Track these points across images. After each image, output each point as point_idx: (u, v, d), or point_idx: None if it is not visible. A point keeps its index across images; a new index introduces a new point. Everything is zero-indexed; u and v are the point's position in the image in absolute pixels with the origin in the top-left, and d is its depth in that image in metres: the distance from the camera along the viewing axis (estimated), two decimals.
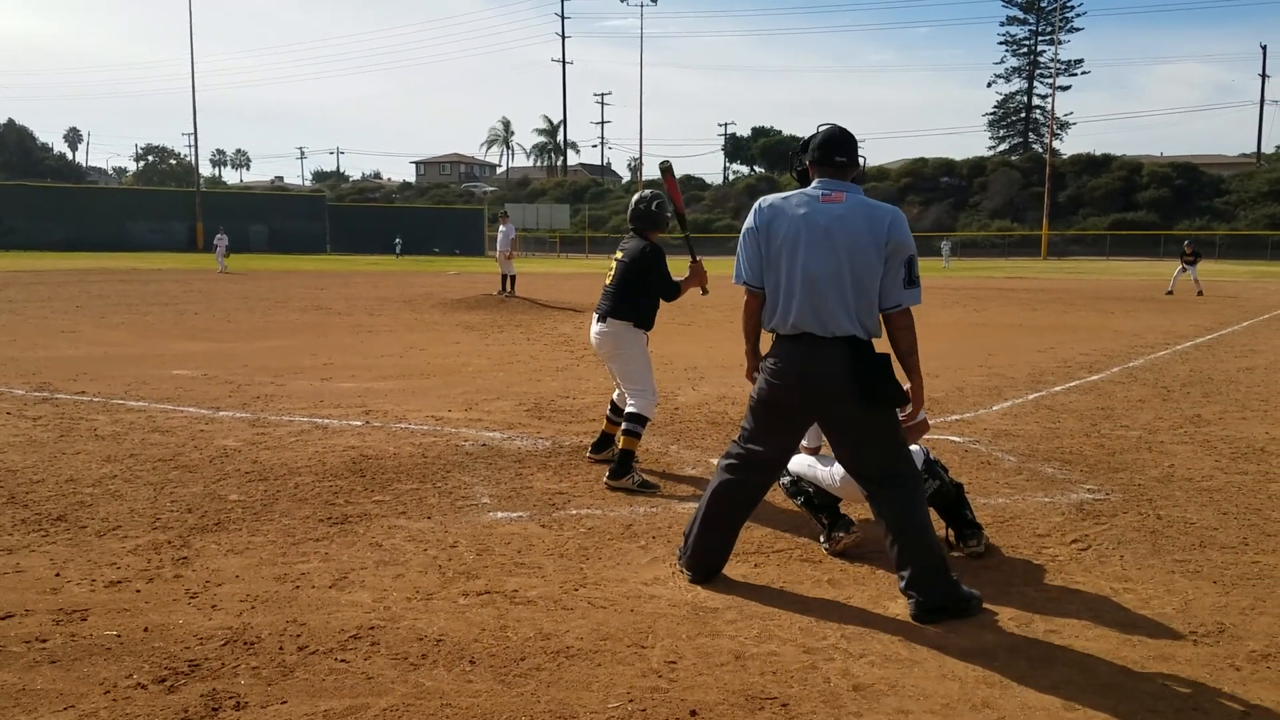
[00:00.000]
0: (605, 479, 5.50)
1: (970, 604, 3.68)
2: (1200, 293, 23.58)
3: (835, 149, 3.77)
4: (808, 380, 3.72)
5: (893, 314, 3.72)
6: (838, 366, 3.66)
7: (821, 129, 3.85)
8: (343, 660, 3.21)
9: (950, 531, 4.46)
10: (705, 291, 5.79)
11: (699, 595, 3.87)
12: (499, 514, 4.93)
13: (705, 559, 4.05)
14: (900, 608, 3.73)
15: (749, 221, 3.85)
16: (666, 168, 5.62)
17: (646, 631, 3.49)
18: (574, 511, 5.01)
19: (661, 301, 5.69)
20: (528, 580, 4.00)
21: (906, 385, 3.83)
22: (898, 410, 3.82)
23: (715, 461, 4.69)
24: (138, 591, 3.80)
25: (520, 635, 3.44)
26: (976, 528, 4.43)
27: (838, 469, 4.26)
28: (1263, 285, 27.84)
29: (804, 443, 4.37)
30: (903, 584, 3.71)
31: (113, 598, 3.73)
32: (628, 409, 5.56)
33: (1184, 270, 24.58)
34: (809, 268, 3.66)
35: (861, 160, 3.86)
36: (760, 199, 3.87)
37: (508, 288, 20.81)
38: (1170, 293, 24.02)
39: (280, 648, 3.30)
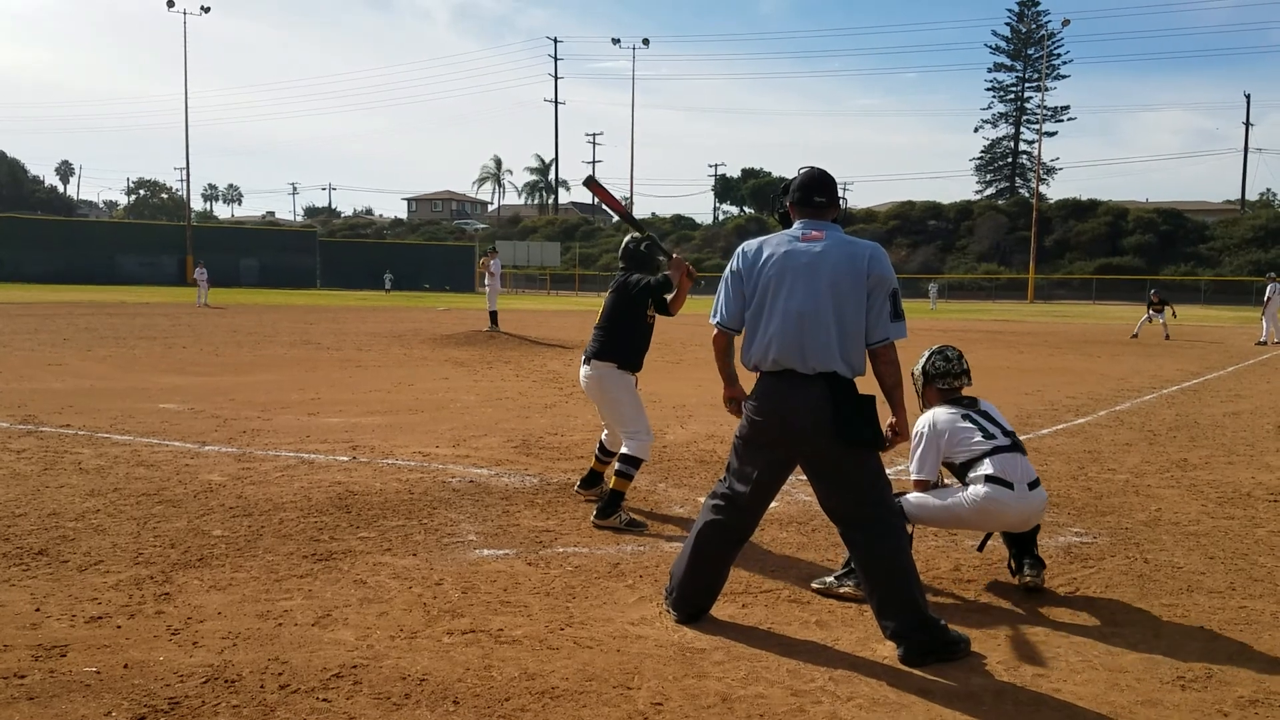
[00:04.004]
0: (592, 518, 5.48)
1: (958, 647, 3.65)
2: (1167, 337, 23.86)
3: (815, 190, 3.84)
4: (789, 417, 3.73)
5: (879, 349, 3.74)
6: (819, 403, 3.67)
7: (801, 171, 3.93)
8: (325, 699, 3.17)
9: (1013, 561, 4.50)
10: (694, 278, 5.46)
11: (686, 636, 3.85)
12: (485, 551, 4.90)
13: (692, 600, 4.02)
14: (888, 650, 3.71)
15: (731, 264, 3.93)
16: (590, 180, 5.59)
17: (633, 672, 3.47)
18: (561, 550, 4.98)
19: (668, 314, 5.57)
20: (513, 619, 3.96)
21: (890, 419, 3.84)
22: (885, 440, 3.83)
23: (703, 500, 4.68)
24: (118, 627, 3.75)
25: (505, 675, 3.40)
26: (1039, 563, 4.47)
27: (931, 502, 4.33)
28: (1247, 330, 28.03)
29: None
30: (886, 632, 3.70)
31: (93, 633, 3.68)
32: (623, 450, 5.54)
33: (1149, 319, 24.97)
34: (791, 305, 3.70)
35: (842, 202, 3.92)
36: (743, 243, 3.95)
37: (495, 323, 20.90)
38: (1135, 336, 24.45)
39: (261, 686, 3.26)
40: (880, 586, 3.69)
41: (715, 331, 3.99)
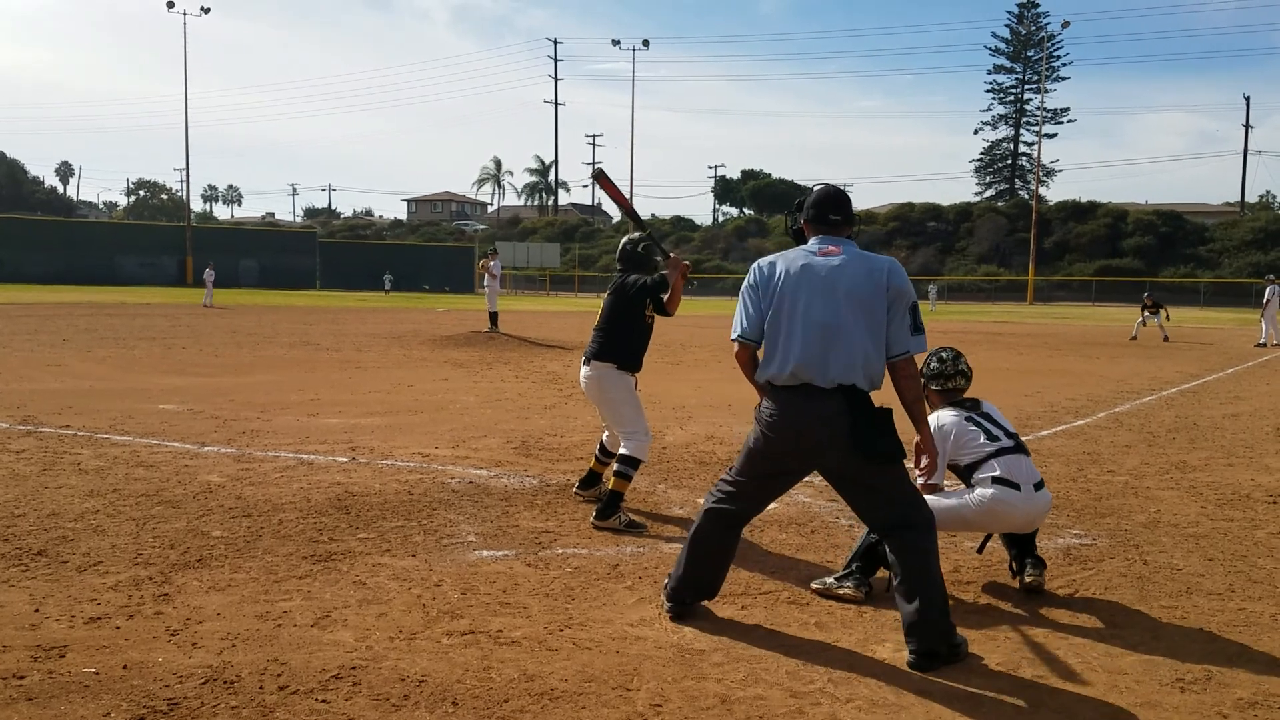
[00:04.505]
0: (592, 519, 5.48)
1: (960, 649, 3.65)
2: (1166, 338, 23.88)
3: (829, 208, 3.88)
4: (804, 431, 3.73)
5: (899, 361, 3.75)
6: (836, 417, 3.67)
7: (816, 189, 3.96)
8: (323, 701, 3.17)
9: (1014, 563, 4.53)
10: (690, 279, 5.44)
11: (685, 637, 3.84)
12: (484, 552, 4.90)
13: (689, 594, 4.05)
14: (888, 652, 3.71)
15: (748, 280, 3.92)
16: (599, 173, 5.59)
17: (632, 674, 3.46)
18: (560, 551, 4.98)
19: (666, 314, 5.54)
20: (512, 620, 3.96)
21: (915, 439, 3.85)
22: (909, 464, 3.82)
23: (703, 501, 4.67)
24: (117, 628, 3.75)
25: (504, 676, 3.40)
26: (1040, 563, 4.49)
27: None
28: (1246, 332, 28.04)
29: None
30: (904, 622, 3.68)
31: (92, 634, 3.68)
32: (621, 451, 5.54)
33: (1144, 321, 24.98)
34: (811, 317, 3.69)
35: (855, 224, 3.96)
36: (759, 259, 3.96)
37: (495, 324, 20.92)
38: (1134, 338, 24.48)
39: (260, 687, 3.26)
40: (907, 584, 3.67)
41: (737, 348, 3.96)
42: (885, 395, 3.76)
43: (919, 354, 3.76)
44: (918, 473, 4.05)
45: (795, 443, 3.76)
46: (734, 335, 3.94)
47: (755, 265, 3.95)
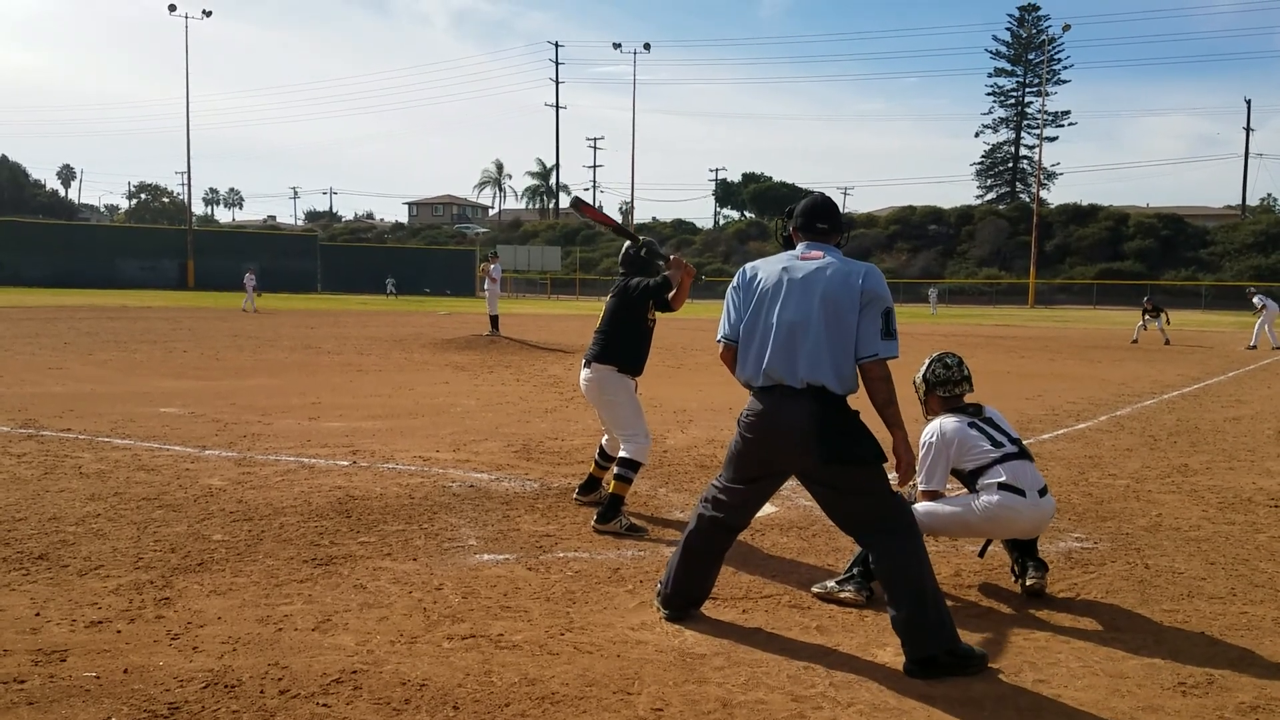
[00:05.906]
0: (593, 522, 5.48)
1: (970, 661, 3.60)
2: (1167, 341, 23.89)
3: (817, 216, 3.96)
4: (780, 433, 3.75)
5: (868, 364, 3.74)
6: (806, 422, 3.69)
7: (806, 198, 4.04)
8: (324, 705, 3.17)
9: (1015, 566, 4.54)
10: (699, 277, 5.53)
11: (686, 641, 3.84)
12: (485, 556, 4.90)
13: (683, 596, 4.07)
14: (889, 656, 3.71)
15: (733, 282, 4.02)
16: (576, 201, 5.68)
17: (633, 678, 3.46)
18: (561, 554, 4.98)
19: (671, 310, 5.56)
20: (513, 624, 3.96)
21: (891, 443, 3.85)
22: (886, 470, 3.81)
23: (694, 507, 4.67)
24: (118, 632, 3.75)
25: (505, 681, 3.40)
26: (1042, 566, 4.49)
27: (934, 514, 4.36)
28: (1248, 336, 28.01)
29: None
30: (895, 632, 3.68)
31: (93, 638, 3.68)
32: (621, 454, 5.54)
33: (1144, 325, 24.97)
34: (784, 315, 3.76)
35: (845, 233, 4.01)
36: (745, 264, 4.05)
37: (496, 328, 20.93)
38: (1135, 341, 24.49)
39: (261, 691, 3.25)
40: (891, 589, 3.67)
41: (721, 348, 4.03)
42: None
43: (890, 359, 3.74)
44: (896, 480, 4.03)
45: (770, 444, 3.80)
46: (719, 336, 4.03)
47: (741, 269, 4.04)
